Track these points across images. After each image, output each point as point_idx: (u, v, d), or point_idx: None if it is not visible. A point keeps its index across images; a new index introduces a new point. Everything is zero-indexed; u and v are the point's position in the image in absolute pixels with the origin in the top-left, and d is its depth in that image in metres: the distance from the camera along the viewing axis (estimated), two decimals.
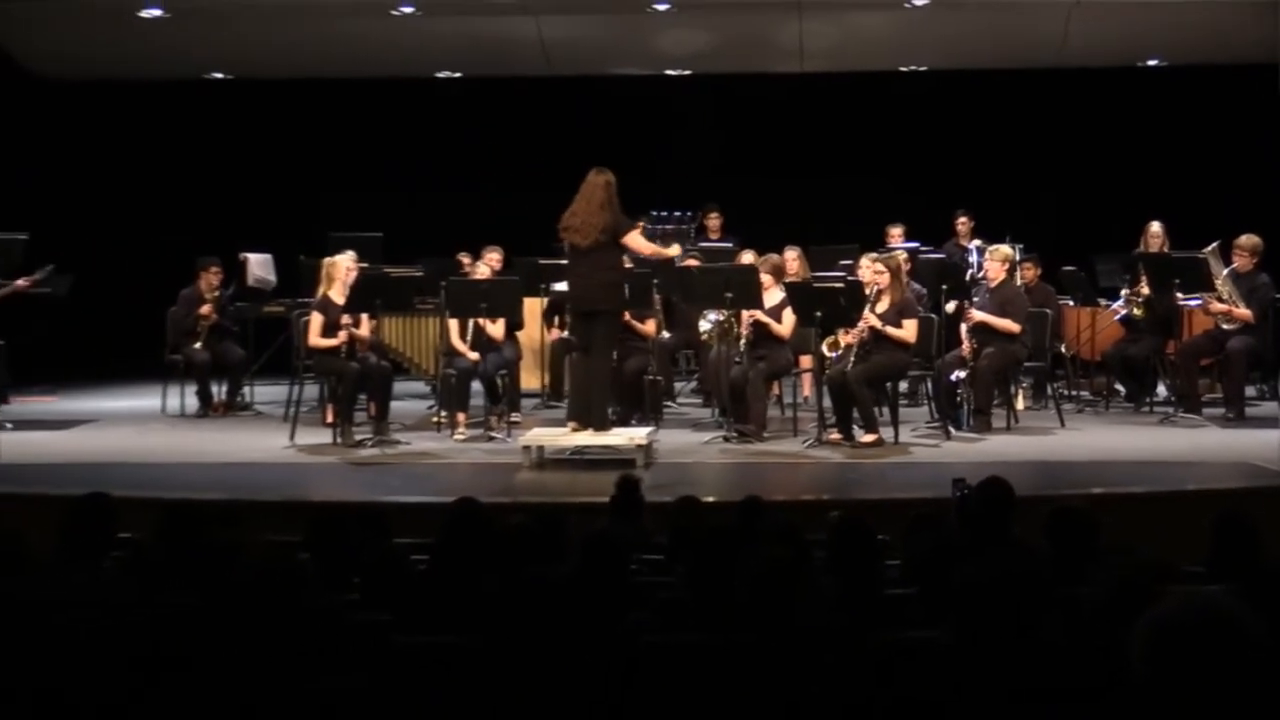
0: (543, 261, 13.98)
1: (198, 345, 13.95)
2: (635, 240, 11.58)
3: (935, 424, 12.61)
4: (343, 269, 12.33)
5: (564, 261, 12.41)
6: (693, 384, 15.21)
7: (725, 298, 12.09)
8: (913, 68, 17.38)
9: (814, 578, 5.44)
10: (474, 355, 12.77)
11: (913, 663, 4.32)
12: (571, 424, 11.44)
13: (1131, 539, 6.65)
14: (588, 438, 11.22)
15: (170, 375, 14.18)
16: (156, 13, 15.59)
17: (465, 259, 14.08)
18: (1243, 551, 6.08)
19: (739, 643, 4.56)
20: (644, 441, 11.12)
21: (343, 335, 12.10)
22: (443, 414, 12.87)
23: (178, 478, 10.66)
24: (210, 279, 14.12)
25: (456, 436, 12.43)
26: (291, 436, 12.29)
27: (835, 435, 11.86)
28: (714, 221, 16.33)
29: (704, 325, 13.08)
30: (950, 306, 13.36)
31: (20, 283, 13.33)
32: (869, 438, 11.70)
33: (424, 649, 4.70)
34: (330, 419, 12.48)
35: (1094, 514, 6.28)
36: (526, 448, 11.18)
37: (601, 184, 11.24)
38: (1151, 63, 17.11)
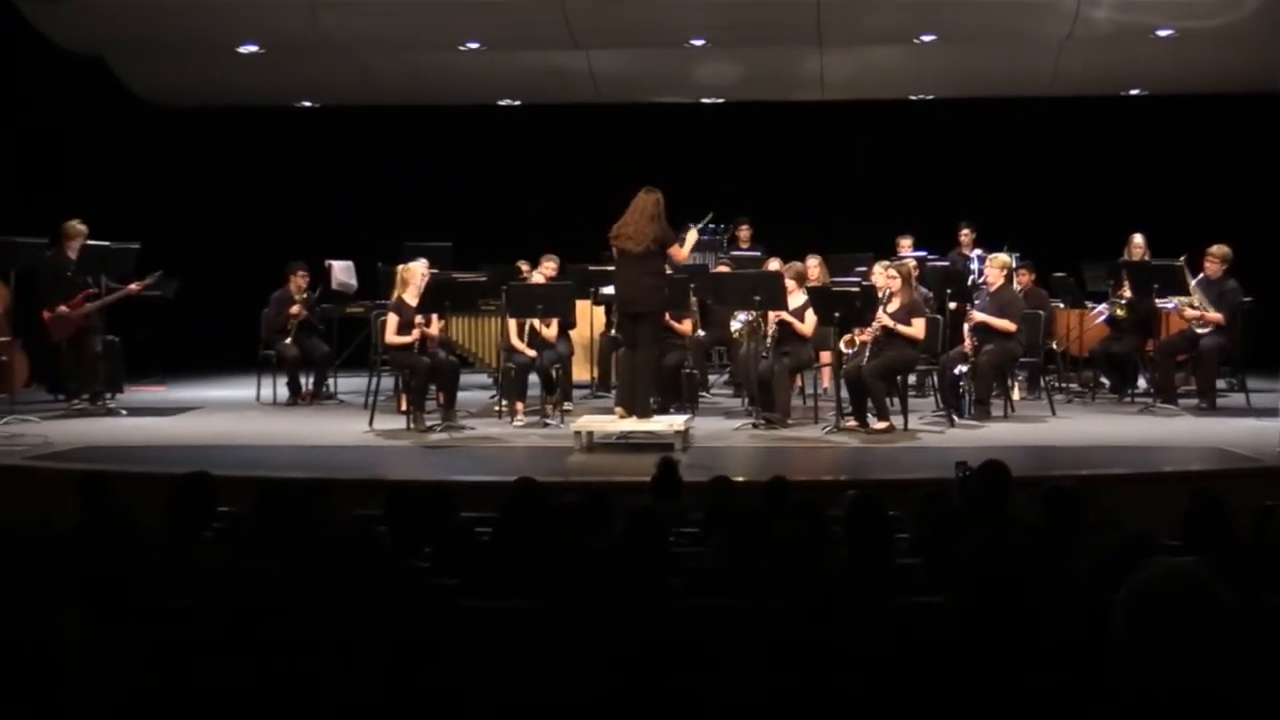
0: (592, 268, 14.01)
1: (288, 341, 14.00)
2: (678, 251, 11.69)
3: (940, 413, 12.57)
4: (416, 274, 12.35)
5: (610, 268, 12.49)
6: (725, 377, 15.20)
7: (754, 300, 12.10)
8: (921, 96, 17.33)
9: (832, 549, 5.45)
10: (531, 352, 12.80)
11: (920, 625, 4.32)
12: (618, 412, 11.48)
13: (1115, 515, 6.63)
14: (632, 424, 11.23)
15: (264, 368, 14.23)
16: (253, 48, 15.70)
17: (524, 266, 14.09)
18: (1214, 527, 6.06)
19: (765, 607, 4.56)
20: (682, 428, 11.12)
21: (416, 333, 12.14)
22: (503, 403, 12.89)
23: (270, 458, 10.68)
24: (299, 282, 14.16)
25: (515, 423, 12.44)
26: (370, 422, 12.31)
27: (851, 423, 11.83)
28: (744, 233, 16.33)
29: (735, 325, 13.07)
30: (955, 307, 13.35)
31: (133, 286, 13.40)
32: (881, 425, 11.66)
33: (487, 611, 4.71)
34: (404, 407, 12.49)
35: (1082, 493, 6.26)
36: (578, 433, 11.17)
37: (652, 201, 11.32)
38: (1134, 92, 17.05)
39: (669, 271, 11.93)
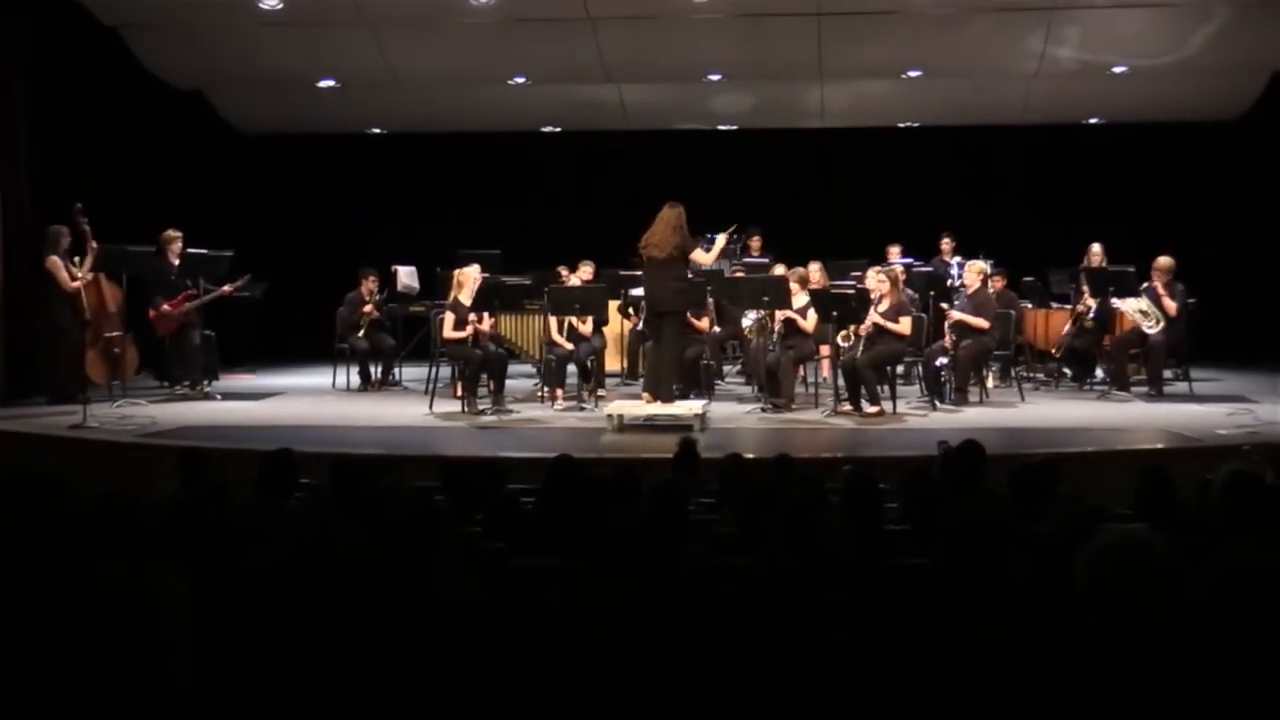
0: (622, 272, 14.03)
1: (360, 335, 14.06)
2: (698, 255, 11.71)
3: (924, 399, 12.55)
4: (470, 278, 12.38)
5: (638, 273, 12.51)
6: (737, 367, 15.17)
7: (763, 301, 12.09)
8: (909, 124, 17.25)
9: (830, 517, 5.44)
10: (569, 345, 12.83)
11: (906, 583, 4.31)
12: (645, 397, 11.48)
13: (1075, 487, 6.61)
14: (657, 408, 11.24)
15: (338, 359, 14.28)
16: (330, 83, 15.75)
17: (563, 270, 14.10)
18: (1161, 498, 6.05)
19: (773, 567, 4.57)
20: (700, 411, 11.11)
21: (469, 329, 12.17)
22: (545, 390, 12.91)
23: (344, 437, 10.67)
24: (369, 285, 14.23)
25: (555, 407, 12.45)
26: (430, 407, 12.33)
27: (847, 407, 11.82)
28: (755, 242, 16.24)
29: (746, 322, 13.10)
30: (945, 307, 13.30)
31: (226, 288, 13.44)
32: (873, 409, 11.62)
33: (532, 570, 4.72)
34: (459, 393, 12.54)
35: (1053, 467, 6.24)
36: (610, 416, 11.18)
37: (675, 214, 11.38)
38: (1093, 120, 16.96)
39: (690, 276, 11.93)
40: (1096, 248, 14.14)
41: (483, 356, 12.18)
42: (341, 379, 14.25)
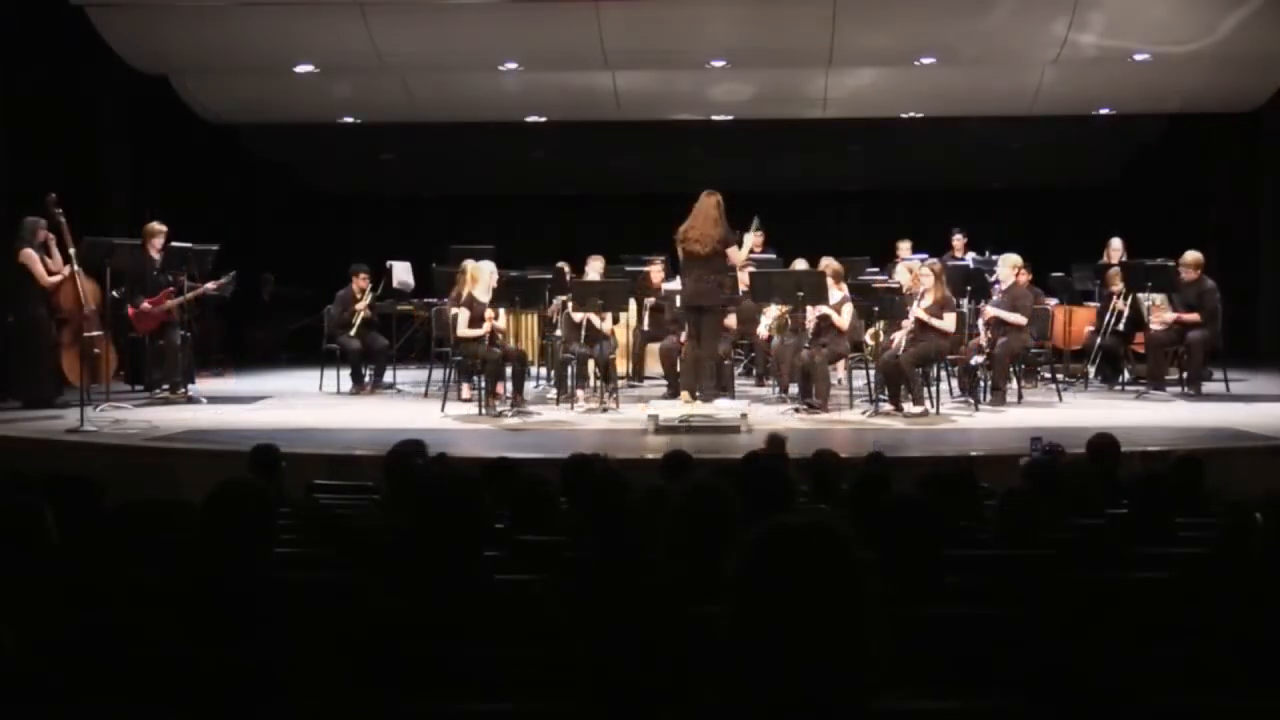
0: (629, 268, 14.00)
1: (351, 334, 13.87)
2: (735, 253, 11.53)
3: (960, 399, 12.46)
4: (485, 273, 12.20)
5: (642, 268, 12.42)
6: (741, 366, 14.86)
7: (798, 296, 11.87)
8: (911, 114, 17.03)
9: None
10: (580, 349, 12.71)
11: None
12: (683, 396, 11.38)
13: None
14: (696, 408, 11.09)
15: (327, 361, 14.05)
16: (350, 120, 15.55)
17: (565, 266, 13.96)
18: None
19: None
20: (744, 412, 10.96)
21: (486, 326, 12.00)
22: (556, 391, 12.84)
23: (387, 440, 10.16)
24: (360, 283, 14.06)
25: (577, 409, 12.31)
26: (443, 409, 12.18)
27: (888, 407, 11.73)
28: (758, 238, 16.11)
29: (765, 320, 13.03)
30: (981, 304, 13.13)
31: (210, 285, 13.21)
32: (917, 409, 11.53)
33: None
34: (466, 395, 12.44)
35: (1197, 463, 6.21)
36: (650, 416, 10.99)
37: (714, 203, 11.22)
38: (1103, 111, 16.88)
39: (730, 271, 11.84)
40: (1116, 242, 14.13)
41: (502, 354, 11.99)
42: (330, 382, 13.99)
